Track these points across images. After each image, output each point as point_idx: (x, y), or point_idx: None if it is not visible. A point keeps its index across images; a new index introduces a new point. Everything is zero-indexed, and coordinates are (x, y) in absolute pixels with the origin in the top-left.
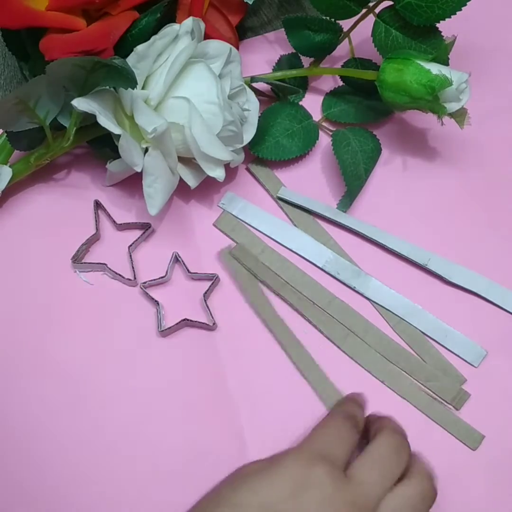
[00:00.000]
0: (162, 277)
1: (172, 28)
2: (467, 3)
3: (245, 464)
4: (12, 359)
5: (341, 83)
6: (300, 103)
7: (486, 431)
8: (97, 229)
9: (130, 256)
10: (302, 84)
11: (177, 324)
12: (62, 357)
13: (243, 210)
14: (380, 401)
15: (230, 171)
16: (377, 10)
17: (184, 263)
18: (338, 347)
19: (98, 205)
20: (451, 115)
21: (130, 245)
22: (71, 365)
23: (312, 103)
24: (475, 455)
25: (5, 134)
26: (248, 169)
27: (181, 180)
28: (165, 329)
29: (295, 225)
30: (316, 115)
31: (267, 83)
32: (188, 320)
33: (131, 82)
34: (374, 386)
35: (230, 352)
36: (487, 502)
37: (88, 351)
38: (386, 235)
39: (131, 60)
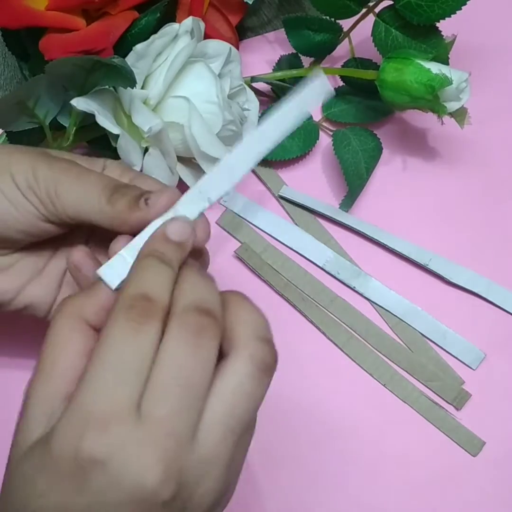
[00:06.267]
0: None
1: (171, 28)
2: (467, 3)
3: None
4: None
5: (341, 83)
6: None
7: (485, 433)
8: None
9: None
10: None
11: None
12: None
13: (244, 208)
14: (381, 404)
15: None
16: (377, 10)
17: None
18: (340, 349)
19: None
20: (451, 114)
21: None
22: None
23: None
24: (475, 458)
25: (5, 134)
26: None
27: (180, 179)
28: None
29: (296, 224)
30: (316, 115)
31: (267, 83)
32: None
33: (130, 81)
34: (376, 389)
35: None
36: (487, 506)
37: None
38: (387, 235)
39: (130, 59)
